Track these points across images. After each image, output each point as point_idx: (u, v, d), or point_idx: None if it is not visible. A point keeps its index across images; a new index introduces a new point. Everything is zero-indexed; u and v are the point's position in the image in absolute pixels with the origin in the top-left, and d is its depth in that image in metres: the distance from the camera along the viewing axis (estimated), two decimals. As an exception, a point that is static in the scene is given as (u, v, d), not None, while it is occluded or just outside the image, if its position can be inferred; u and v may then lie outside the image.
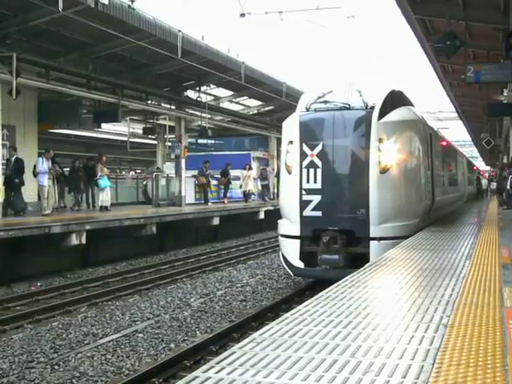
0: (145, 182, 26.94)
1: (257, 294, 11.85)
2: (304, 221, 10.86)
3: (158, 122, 26.56)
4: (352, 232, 10.61)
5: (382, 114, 10.75)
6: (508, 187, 19.41)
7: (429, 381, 3.06)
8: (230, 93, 27.03)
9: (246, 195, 27.97)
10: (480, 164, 60.20)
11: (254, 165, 31.29)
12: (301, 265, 11.03)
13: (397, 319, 4.41)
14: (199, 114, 23.88)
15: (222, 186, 26.94)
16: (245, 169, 27.50)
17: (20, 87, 14.94)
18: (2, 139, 15.82)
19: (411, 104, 12.92)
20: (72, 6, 13.23)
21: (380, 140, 10.59)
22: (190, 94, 24.74)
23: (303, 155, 10.89)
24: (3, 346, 8.21)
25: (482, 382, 3.04)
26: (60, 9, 12.58)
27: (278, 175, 25.36)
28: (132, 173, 33.82)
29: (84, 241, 14.22)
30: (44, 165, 16.19)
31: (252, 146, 33.54)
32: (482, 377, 3.11)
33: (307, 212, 10.80)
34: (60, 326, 9.40)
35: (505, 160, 31.33)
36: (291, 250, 11.18)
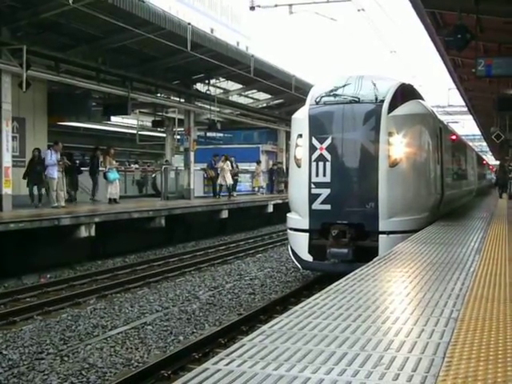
0: (154, 175, 26.96)
1: (265, 287, 11.87)
2: (313, 214, 10.85)
3: (167, 114, 26.53)
4: (361, 226, 10.59)
5: (392, 107, 10.72)
6: None
7: (439, 374, 3.05)
8: (239, 86, 26.98)
9: (220, 189, 24.66)
10: (489, 158, 59.90)
11: (263, 158, 31.20)
12: (309, 258, 11.03)
13: (406, 313, 4.41)
14: (208, 107, 23.85)
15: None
16: (223, 160, 24.45)
17: (30, 80, 14.94)
18: (12, 131, 15.88)
19: (421, 98, 12.86)
20: (82, -2, 13.26)
21: (390, 134, 10.56)
22: (199, 87, 24.71)
23: (312, 148, 10.86)
24: (13, 337, 8.27)
25: (492, 376, 3.03)
26: (70, 1, 12.59)
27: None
28: (136, 165, 32.72)
29: (93, 233, 14.29)
30: (53, 157, 16.23)
31: (261, 139, 33.48)
32: (492, 371, 3.10)
33: (316, 205, 10.79)
34: (69, 317, 9.45)
35: None
36: (300, 244, 11.18)
